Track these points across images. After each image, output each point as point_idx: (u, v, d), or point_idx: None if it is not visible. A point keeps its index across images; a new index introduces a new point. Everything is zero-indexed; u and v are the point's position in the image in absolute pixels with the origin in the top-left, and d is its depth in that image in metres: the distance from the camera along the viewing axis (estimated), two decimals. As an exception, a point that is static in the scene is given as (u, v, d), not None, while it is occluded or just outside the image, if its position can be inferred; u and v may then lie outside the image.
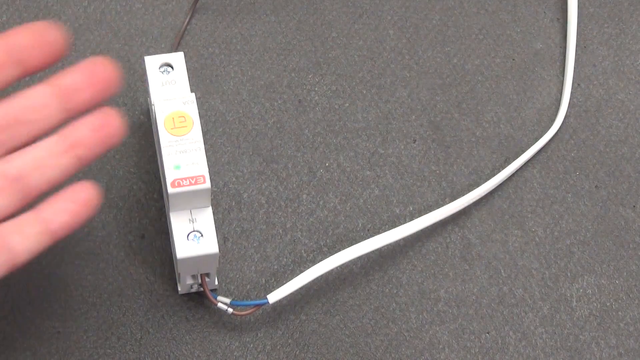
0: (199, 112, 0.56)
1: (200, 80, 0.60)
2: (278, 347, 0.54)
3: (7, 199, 0.43)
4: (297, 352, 0.54)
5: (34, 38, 0.43)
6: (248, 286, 0.55)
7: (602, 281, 0.57)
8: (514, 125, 0.60)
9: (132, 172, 0.57)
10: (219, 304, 0.52)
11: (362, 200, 0.58)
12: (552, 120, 0.61)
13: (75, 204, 0.43)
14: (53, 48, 0.43)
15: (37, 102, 0.43)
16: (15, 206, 0.43)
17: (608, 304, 0.56)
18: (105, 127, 0.44)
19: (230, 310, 0.53)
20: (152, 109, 0.52)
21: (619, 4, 0.65)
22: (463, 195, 0.57)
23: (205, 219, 0.50)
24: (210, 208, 0.50)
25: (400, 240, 0.56)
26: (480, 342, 0.55)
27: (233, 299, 0.53)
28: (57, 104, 0.44)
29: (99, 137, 0.44)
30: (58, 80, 0.44)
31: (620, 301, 0.56)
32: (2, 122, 0.43)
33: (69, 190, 0.44)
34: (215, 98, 0.60)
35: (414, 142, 0.59)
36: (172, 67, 0.53)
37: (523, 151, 0.59)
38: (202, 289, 0.53)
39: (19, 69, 0.43)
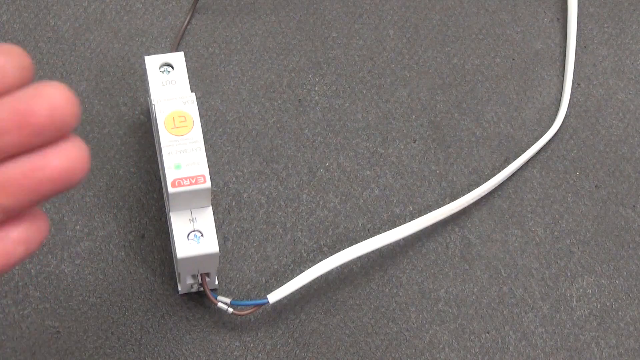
0: (199, 112, 0.56)
1: (200, 80, 0.60)
2: (278, 347, 0.54)
3: None
4: (297, 352, 0.54)
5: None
6: (248, 286, 0.55)
7: (602, 281, 0.57)
8: (514, 125, 0.60)
9: (132, 172, 0.57)
10: (219, 304, 0.52)
11: (362, 200, 0.58)
12: (552, 120, 0.61)
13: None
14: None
15: None
16: None
17: (608, 304, 0.56)
18: (42, 170, 0.33)
19: (230, 310, 0.53)
20: (152, 108, 0.52)
21: (619, 4, 0.65)
22: (463, 195, 0.57)
23: (206, 218, 0.50)
24: (210, 208, 0.50)
25: (400, 240, 0.56)
26: (480, 342, 0.55)
27: (233, 299, 0.53)
28: None
29: (32, 182, 0.33)
30: None
31: (620, 301, 0.56)
32: None
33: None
34: (215, 98, 0.60)
35: (414, 142, 0.59)
36: (172, 67, 0.53)
37: (523, 151, 0.59)
38: (202, 288, 0.53)
39: None
